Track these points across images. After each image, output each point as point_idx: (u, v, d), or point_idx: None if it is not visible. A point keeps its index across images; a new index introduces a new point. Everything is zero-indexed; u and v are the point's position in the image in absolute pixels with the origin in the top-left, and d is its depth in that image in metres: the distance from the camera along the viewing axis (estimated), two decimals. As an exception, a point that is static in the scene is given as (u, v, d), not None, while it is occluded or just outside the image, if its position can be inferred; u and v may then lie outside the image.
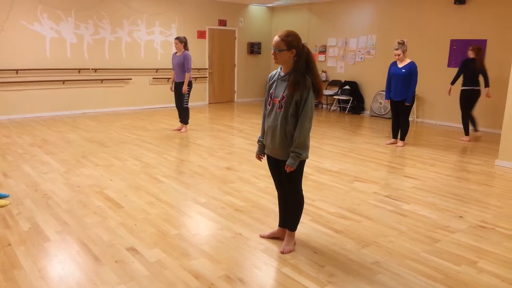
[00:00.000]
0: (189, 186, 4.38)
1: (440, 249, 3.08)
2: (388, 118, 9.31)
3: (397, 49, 6.15)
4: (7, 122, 7.85)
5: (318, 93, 2.68)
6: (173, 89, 7.19)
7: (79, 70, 8.92)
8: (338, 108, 10.58)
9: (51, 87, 8.56)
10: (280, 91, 2.72)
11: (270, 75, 2.89)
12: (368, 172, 5.06)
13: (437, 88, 8.65)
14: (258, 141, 3.00)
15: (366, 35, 9.82)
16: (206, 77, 11.03)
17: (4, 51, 7.93)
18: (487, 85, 6.80)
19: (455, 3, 8.09)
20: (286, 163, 2.71)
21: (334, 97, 10.39)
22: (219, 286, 2.51)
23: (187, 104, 7.12)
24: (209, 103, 11.21)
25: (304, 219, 3.55)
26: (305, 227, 3.39)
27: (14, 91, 8.17)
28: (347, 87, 10.15)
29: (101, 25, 9.08)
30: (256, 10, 11.74)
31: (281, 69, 2.79)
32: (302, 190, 2.94)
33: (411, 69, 6.09)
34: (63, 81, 8.71)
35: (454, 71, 8.32)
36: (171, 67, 7.17)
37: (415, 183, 4.66)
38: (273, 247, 3.02)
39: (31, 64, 8.25)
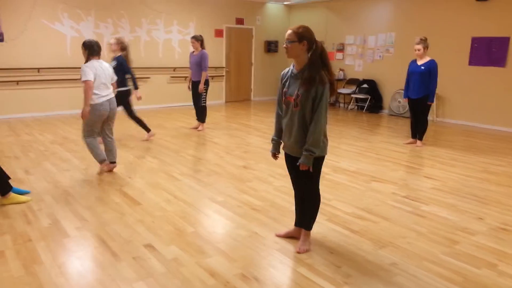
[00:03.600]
0: (206, 185, 4.40)
1: (460, 251, 3.02)
2: (407, 117, 9.18)
3: (418, 43, 6.02)
4: (29, 120, 8.02)
5: (333, 90, 2.64)
6: (190, 88, 7.24)
7: (99, 68, 9.04)
8: (356, 107, 10.48)
9: (71, 85, 8.70)
10: (294, 89, 2.66)
11: (282, 73, 2.82)
12: (386, 172, 5.00)
13: (458, 87, 8.49)
14: (272, 139, 2.98)
15: (385, 33, 9.70)
16: (223, 75, 11.07)
17: (26, 50, 8.10)
18: (136, 86, 6.14)
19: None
20: (299, 161, 2.68)
21: (352, 95, 10.29)
22: (235, 284, 2.52)
23: (205, 103, 7.15)
24: (226, 102, 11.24)
25: (320, 218, 3.54)
26: (321, 227, 3.37)
27: (36, 89, 8.34)
28: (365, 85, 10.04)
29: (120, 24, 9.20)
30: (273, 8, 11.72)
31: (293, 66, 2.73)
32: (319, 189, 2.92)
33: (431, 67, 5.96)
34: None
35: (475, 69, 8.18)
36: (189, 66, 7.21)
37: (435, 184, 4.58)
38: (289, 247, 3.02)
39: (52, 63, 8.41)
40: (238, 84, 11.50)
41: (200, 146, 6.14)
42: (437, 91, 8.58)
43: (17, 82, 8.05)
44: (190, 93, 7.30)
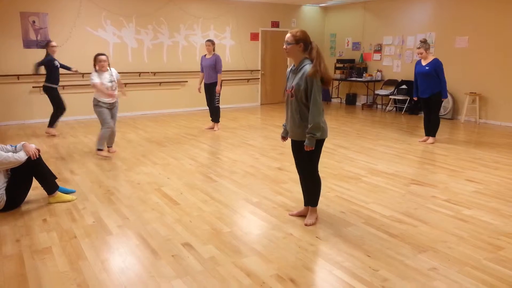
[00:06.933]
0: (241, 186, 4.45)
1: (504, 257, 2.90)
2: (447, 118, 8.90)
3: (419, 48, 6.29)
4: (74, 122, 8.39)
5: (323, 81, 3.00)
6: (201, 90, 7.45)
7: (140, 73, 9.35)
8: (394, 109, 10.26)
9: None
10: (291, 82, 3.12)
11: (287, 71, 3.24)
12: (426, 175, 4.87)
13: (502, 88, 8.14)
14: (283, 125, 3.43)
15: (424, 33, 9.44)
16: (258, 78, 11.13)
17: (71, 56, 8.48)
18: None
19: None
20: (304, 143, 3.08)
21: (390, 97, 10.08)
22: (271, 285, 2.54)
23: (219, 103, 7.38)
24: (261, 104, 11.30)
25: (357, 221, 3.50)
26: (358, 230, 3.33)
27: (80, 94, 8.72)
28: (404, 86, 9.81)
29: (160, 30, 9.47)
30: (309, 11, 11.68)
31: (294, 64, 3.17)
32: (317, 170, 3.31)
33: (435, 66, 6.18)
34: (125, 84, 9.15)
35: (522, 68, 7.80)
36: (199, 70, 7.33)
37: (477, 187, 4.42)
38: (325, 249, 3.01)
39: (96, 68, 8.76)
40: (274, 86, 11.53)
41: (235, 148, 6.21)
42: (481, 91, 8.33)
43: (63, 86, 8.45)
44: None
